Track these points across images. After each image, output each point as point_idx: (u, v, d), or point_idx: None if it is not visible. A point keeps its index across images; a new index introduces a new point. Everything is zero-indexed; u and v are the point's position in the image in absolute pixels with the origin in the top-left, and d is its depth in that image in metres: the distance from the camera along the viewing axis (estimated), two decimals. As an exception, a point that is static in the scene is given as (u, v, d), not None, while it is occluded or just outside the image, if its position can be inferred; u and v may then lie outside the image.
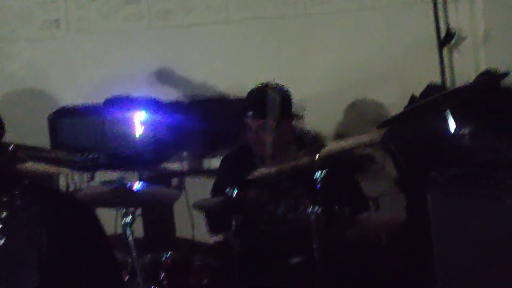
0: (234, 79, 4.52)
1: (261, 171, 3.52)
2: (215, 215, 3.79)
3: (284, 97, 3.75)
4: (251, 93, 3.80)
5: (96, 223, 1.93)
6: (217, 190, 3.87)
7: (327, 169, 3.34)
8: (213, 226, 3.93)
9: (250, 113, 3.70)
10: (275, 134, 3.68)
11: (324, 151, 3.36)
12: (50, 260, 1.79)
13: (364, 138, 3.71)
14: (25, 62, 4.59)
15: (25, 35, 4.59)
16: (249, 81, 4.15)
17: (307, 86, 4.41)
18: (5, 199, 1.86)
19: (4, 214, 1.84)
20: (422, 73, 4.45)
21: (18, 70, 4.59)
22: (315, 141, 3.59)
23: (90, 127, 4.21)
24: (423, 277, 3.63)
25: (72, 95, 4.46)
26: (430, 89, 4.29)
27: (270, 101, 3.71)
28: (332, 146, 3.47)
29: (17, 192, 1.86)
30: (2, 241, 1.81)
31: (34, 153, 3.69)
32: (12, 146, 3.51)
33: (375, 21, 4.55)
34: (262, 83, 3.80)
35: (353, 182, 3.84)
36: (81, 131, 4.22)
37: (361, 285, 3.52)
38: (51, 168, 3.81)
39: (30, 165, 3.53)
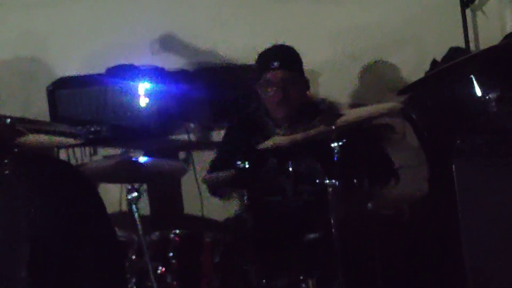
0: (242, 45, 4.48)
1: (274, 140, 3.50)
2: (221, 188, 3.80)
3: (297, 55, 3.78)
4: (271, 48, 3.82)
5: (94, 196, 1.91)
6: (221, 162, 3.86)
7: (344, 140, 3.32)
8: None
9: (276, 63, 3.68)
10: (299, 89, 3.69)
11: (341, 120, 3.33)
12: (42, 231, 1.77)
13: (383, 106, 3.68)
14: (22, 30, 4.58)
15: (22, 1, 4.57)
16: (258, 47, 4.13)
17: (320, 50, 4.38)
18: None
19: None
20: (444, 36, 4.42)
21: (15, 38, 4.58)
22: (330, 109, 3.56)
23: (91, 98, 4.20)
24: (448, 250, 3.63)
25: (72, 65, 4.45)
26: (453, 52, 4.26)
27: (293, 54, 3.72)
28: (349, 115, 3.43)
29: (6, 161, 1.82)
30: None
31: (33, 126, 3.69)
32: (9, 119, 3.53)
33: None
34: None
35: (376, 151, 3.82)
36: (82, 103, 4.22)
37: (381, 262, 3.51)
38: (52, 142, 3.81)
39: (30, 139, 3.52)
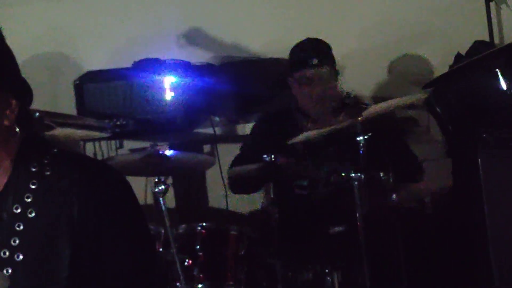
0: (267, 39, 4.48)
1: (303, 135, 3.50)
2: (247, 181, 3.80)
3: (331, 49, 3.79)
4: (304, 43, 3.79)
5: (130, 193, 1.91)
6: (248, 155, 3.86)
7: (370, 133, 3.31)
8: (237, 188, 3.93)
9: (315, 61, 3.67)
10: (336, 84, 3.73)
11: (366, 113, 3.33)
12: (83, 230, 1.79)
13: (408, 99, 3.67)
14: (50, 25, 4.58)
15: (48, -2, 4.58)
16: (284, 40, 4.14)
17: (346, 44, 4.35)
18: (34, 169, 1.83)
19: (34, 185, 1.82)
20: (469, 30, 4.38)
21: (43, 33, 4.58)
22: (356, 102, 3.54)
23: (117, 92, 4.21)
24: (473, 243, 3.61)
25: (99, 59, 4.45)
26: (477, 46, 4.23)
27: (328, 49, 3.74)
28: (374, 108, 3.42)
29: (46, 162, 1.84)
30: (33, 214, 1.79)
31: (61, 120, 3.71)
32: (37, 113, 3.55)
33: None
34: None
35: (401, 145, 3.80)
36: (108, 96, 4.21)
37: (404, 255, 3.50)
38: (79, 135, 3.83)
39: (57, 133, 3.55)
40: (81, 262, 1.79)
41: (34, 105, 4.01)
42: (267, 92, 4.33)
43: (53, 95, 4.52)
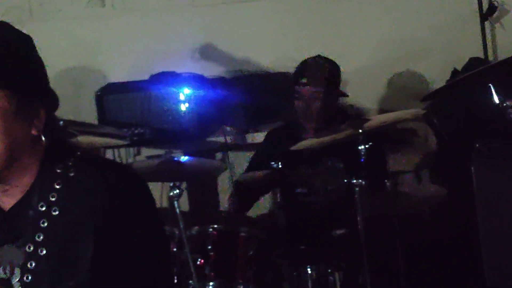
0: (276, 55, 4.51)
1: (304, 143, 3.53)
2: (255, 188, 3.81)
3: (334, 69, 3.79)
4: (304, 62, 3.80)
5: (149, 195, 1.93)
6: (256, 163, 3.89)
7: (371, 143, 3.34)
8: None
9: (304, 80, 3.70)
10: (324, 104, 3.70)
11: (368, 124, 3.35)
12: (105, 228, 1.79)
13: (407, 112, 3.69)
14: (73, 40, 4.63)
15: (71, 14, 4.62)
16: (292, 56, 4.16)
17: (350, 60, 4.36)
18: (59, 170, 1.83)
19: (59, 185, 1.82)
20: (464, 47, 4.40)
21: (66, 48, 4.62)
22: (359, 114, 3.58)
23: (136, 102, 4.24)
24: (467, 246, 3.63)
25: (119, 72, 4.49)
26: (472, 62, 4.26)
27: (323, 71, 3.73)
28: (376, 119, 3.44)
29: (70, 164, 1.84)
30: (57, 212, 1.80)
31: (83, 128, 3.74)
32: (62, 121, 3.59)
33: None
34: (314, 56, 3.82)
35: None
36: (127, 107, 4.24)
37: (403, 256, 3.51)
38: (100, 143, 3.85)
39: (80, 140, 3.56)
40: (102, 258, 1.78)
41: (59, 115, 4.06)
42: (275, 104, 4.35)
43: (76, 105, 4.54)
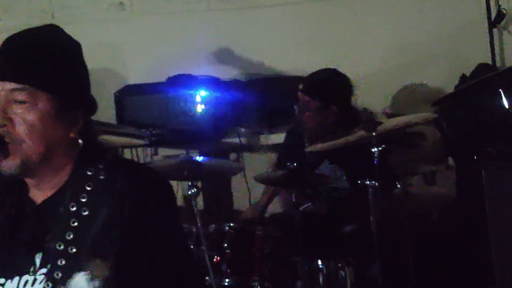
0: (290, 59, 4.53)
1: (317, 146, 3.54)
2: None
3: (337, 85, 3.78)
4: (313, 72, 3.82)
5: (173, 196, 1.96)
6: (279, 163, 3.93)
7: (383, 145, 3.35)
8: None
9: (300, 86, 3.73)
10: (313, 115, 3.70)
11: (381, 127, 3.37)
12: (132, 228, 1.81)
13: (420, 116, 3.70)
14: (93, 43, 4.56)
15: (92, 17, 4.66)
16: (305, 61, 4.18)
17: (361, 64, 4.39)
18: (90, 173, 1.85)
19: (89, 187, 1.84)
20: (473, 53, 4.41)
21: (86, 50, 4.58)
22: (372, 118, 3.59)
23: (154, 104, 4.27)
24: (476, 246, 3.63)
25: (137, 74, 4.51)
26: (481, 68, 4.27)
27: (320, 83, 3.75)
28: (388, 123, 3.46)
29: (101, 167, 1.86)
30: (87, 213, 1.82)
31: (103, 128, 3.76)
32: None
33: (431, 3, 4.51)
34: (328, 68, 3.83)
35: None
36: (145, 108, 4.28)
37: (412, 254, 3.52)
38: (119, 142, 3.87)
39: (102, 139, 3.58)
40: (128, 257, 1.81)
41: None
42: (289, 106, 4.36)
43: None
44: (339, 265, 3.41)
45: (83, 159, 1.87)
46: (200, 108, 4.21)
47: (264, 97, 4.37)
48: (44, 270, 1.82)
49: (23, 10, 4.67)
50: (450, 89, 4.34)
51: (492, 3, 4.39)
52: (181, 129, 4.23)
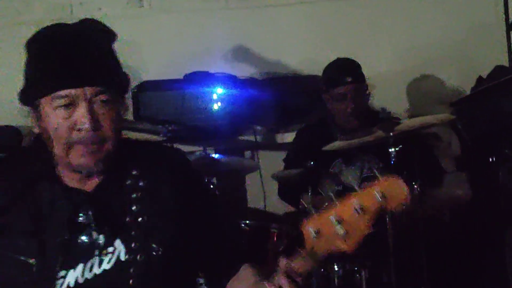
0: (306, 58, 4.47)
1: (337, 144, 3.48)
2: (290, 185, 3.77)
3: (361, 68, 3.77)
4: (338, 64, 3.77)
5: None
6: (290, 161, 3.85)
7: (400, 145, 3.29)
8: (284, 195, 3.93)
9: (349, 78, 3.67)
10: (365, 98, 3.71)
11: (398, 127, 3.31)
12: (185, 199, 1.89)
13: (437, 116, 3.64)
14: (112, 38, 4.59)
15: (111, 13, 4.57)
16: (320, 60, 4.12)
17: (377, 64, 4.33)
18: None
19: (135, 162, 1.90)
20: (490, 55, 4.36)
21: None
22: (389, 118, 3.53)
23: (170, 100, 4.21)
24: (490, 248, 3.58)
25: (154, 70, 4.44)
26: (498, 70, 4.21)
27: (359, 68, 3.74)
28: (406, 123, 3.40)
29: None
30: (142, 184, 1.87)
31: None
32: None
33: (447, 4, 4.47)
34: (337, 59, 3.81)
35: (430, 156, 3.78)
36: (162, 104, 4.22)
37: (426, 256, 3.47)
38: (135, 138, 3.82)
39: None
40: (186, 224, 1.88)
41: None
42: (303, 104, 4.31)
43: None
44: (355, 268, 3.35)
45: (123, 144, 1.92)
46: (216, 105, 4.15)
47: (280, 95, 4.31)
48: (110, 249, 1.84)
49: (42, 4, 4.61)
50: (466, 90, 4.30)
51: (511, 6, 4.32)
52: (197, 126, 4.16)
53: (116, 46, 4.73)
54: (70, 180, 1.87)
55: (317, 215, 1.68)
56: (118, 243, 1.83)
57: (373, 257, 3.43)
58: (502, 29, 4.33)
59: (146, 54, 4.47)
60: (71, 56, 1.82)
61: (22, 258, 1.82)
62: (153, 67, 4.52)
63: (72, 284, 1.81)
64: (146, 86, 4.33)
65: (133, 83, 4.35)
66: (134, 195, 1.86)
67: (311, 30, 4.53)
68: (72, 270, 1.82)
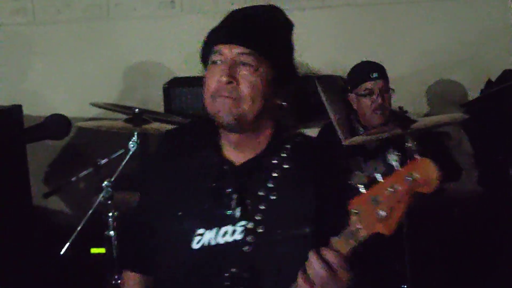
0: (327, 59, 4.45)
1: (356, 139, 3.45)
2: None
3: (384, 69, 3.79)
4: (363, 63, 3.78)
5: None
6: None
7: (416, 142, 3.27)
8: None
9: (375, 74, 3.67)
10: (390, 98, 3.70)
11: (415, 125, 3.29)
12: (324, 190, 1.87)
13: (451, 116, 3.63)
14: (144, 37, 4.65)
15: (144, 14, 4.63)
16: (340, 61, 4.14)
17: (393, 67, 4.28)
18: (287, 136, 1.94)
19: (288, 146, 1.92)
20: (498, 59, 4.34)
21: (138, 44, 4.64)
22: (407, 116, 3.50)
23: (199, 96, 4.17)
24: (500, 248, 3.55)
25: (184, 67, 4.46)
26: (507, 74, 4.21)
27: (383, 67, 3.74)
28: (421, 121, 3.38)
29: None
30: (287, 166, 1.89)
31: (155, 116, 3.76)
32: (138, 109, 3.59)
33: (458, 10, 4.45)
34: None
35: (445, 152, 3.75)
36: (191, 100, 4.26)
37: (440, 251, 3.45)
38: (165, 129, 3.83)
39: (154, 125, 3.58)
40: (322, 213, 1.84)
41: (130, 103, 4.03)
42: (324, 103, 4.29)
43: (145, 96, 4.57)
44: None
45: (281, 124, 1.97)
46: (242, 102, 4.13)
47: (301, 93, 4.28)
48: (243, 223, 1.87)
49: (80, 4, 4.64)
50: (476, 91, 4.29)
51: (519, 13, 4.32)
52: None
53: (148, 44, 4.76)
54: (227, 151, 1.94)
55: (361, 196, 1.65)
56: (251, 217, 1.87)
57: (387, 250, 3.40)
58: (511, 34, 4.33)
59: (177, 52, 4.49)
60: (233, 19, 1.95)
61: (175, 210, 1.93)
62: (183, 64, 4.53)
63: (206, 243, 1.88)
64: (177, 82, 4.40)
65: (164, 80, 4.40)
66: (274, 174, 1.89)
67: (332, 33, 4.54)
68: (208, 231, 1.88)
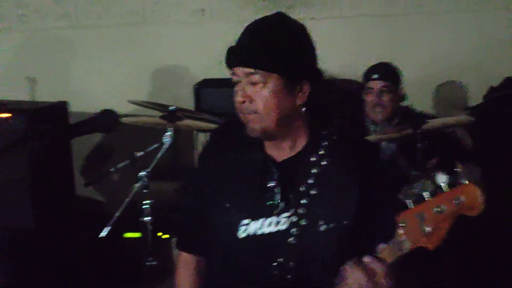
0: (342, 65, 4.57)
1: (370, 137, 3.58)
2: None
3: (398, 71, 3.88)
4: (374, 64, 3.90)
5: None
6: None
7: (426, 142, 3.41)
8: None
9: (376, 75, 3.78)
10: (392, 96, 3.77)
11: (426, 126, 3.42)
12: (365, 184, 1.91)
13: (458, 118, 3.74)
14: (177, 41, 4.78)
15: (177, 20, 4.76)
16: (355, 66, 4.24)
17: (404, 73, 4.40)
18: (325, 132, 1.98)
19: (325, 143, 1.96)
20: (502, 67, 4.45)
21: (171, 48, 4.77)
22: (418, 117, 3.63)
23: (228, 96, 4.20)
24: (505, 249, 3.66)
25: (214, 69, 4.56)
26: (507, 81, 4.32)
27: (390, 69, 3.84)
28: (432, 122, 3.51)
29: (333, 129, 1.98)
30: (325, 163, 1.93)
31: (187, 113, 3.87)
32: (173, 107, 3.70)
33: (465, 21, 4.58)
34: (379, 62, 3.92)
35: (460, 150, 3.87)
36: (220, 100, 4.29)
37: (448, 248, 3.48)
38: (196, 126, 3.95)
39: (185, 122, 3.71)
40: (363, 206, 1.90)
41: (164, 101, 4.09)
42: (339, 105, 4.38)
43: (176, 95, 4.66)
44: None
45: (316, 122, 2.00)
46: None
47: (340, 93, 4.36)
48: (286, 214, 1.92)
49: (119, 10, 4.77)
50: (478, 97, 4.41)
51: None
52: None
53: (181, 48, 4.86)
54: (269, 149, 2.01)
55: (408, 211, 1.69)
56: (294, 210, 1.93)
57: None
58: (512, 44, 4.48)
59: (207, 55, 4.57)
60: (241, 40, 1.98)
61: (224, 202, 1.99)
62: (212, 67, 4.63)
63: (251, 233, 1.94)
64: (207, 83, 4.51)
65: (194, 81, 4.54)
66: (313, 170, 1.94)
67: (347, 42, 4.65)
68: (254, 221, 1.95)
